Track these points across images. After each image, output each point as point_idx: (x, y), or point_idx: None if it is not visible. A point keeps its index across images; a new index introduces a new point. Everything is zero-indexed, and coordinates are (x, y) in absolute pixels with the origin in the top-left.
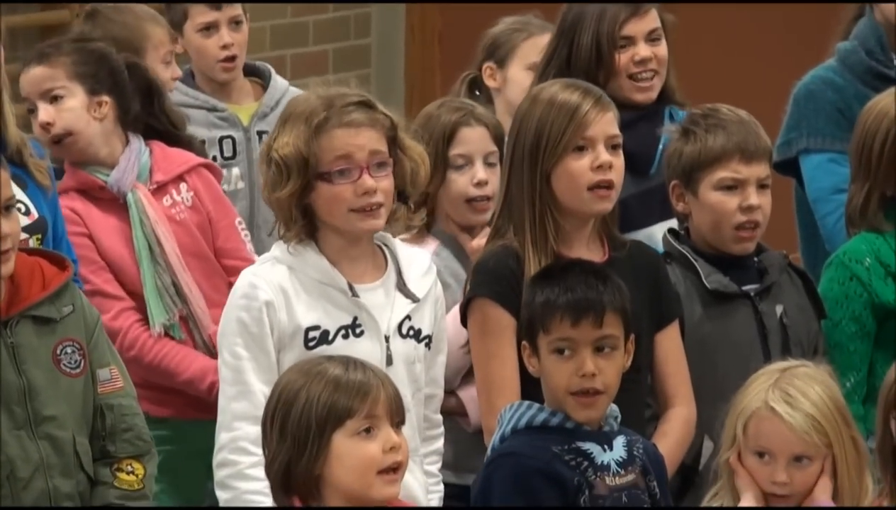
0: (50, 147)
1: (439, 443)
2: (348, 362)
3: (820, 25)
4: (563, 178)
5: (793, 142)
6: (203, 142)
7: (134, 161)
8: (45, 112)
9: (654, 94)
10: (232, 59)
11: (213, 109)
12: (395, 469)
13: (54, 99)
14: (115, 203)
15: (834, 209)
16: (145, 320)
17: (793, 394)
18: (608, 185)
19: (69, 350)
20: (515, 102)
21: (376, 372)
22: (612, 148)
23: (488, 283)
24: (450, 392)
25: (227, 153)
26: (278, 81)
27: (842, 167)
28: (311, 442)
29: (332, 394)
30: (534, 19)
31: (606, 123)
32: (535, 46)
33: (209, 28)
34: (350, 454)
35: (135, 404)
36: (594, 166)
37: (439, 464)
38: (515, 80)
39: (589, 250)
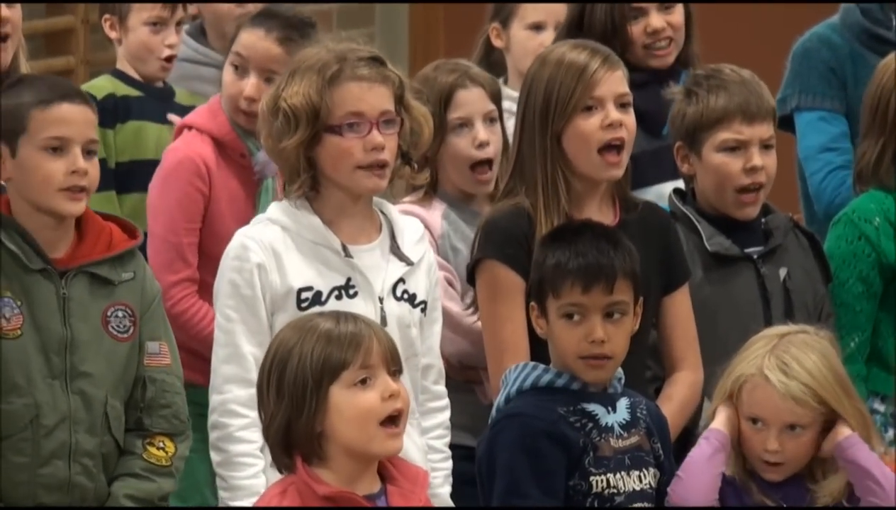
0: (237, 114)
1: (442, 417)
2: (339, 316)
3: None
4: (573, 139)
5: (788, 99)
6: None
7: None
8: (255, 87)
9: (670, 60)
10: (245, 12)
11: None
12: (396, 419)
13: (269, 80)
14: (244, 171)
15: (821, 167)
16: (202, 294)
17: (788, 363)
18: (619, 144)
19: (120, 314)
20: (519, 62)
21: (368, 322)
22: (622, 106)
23: (498, 244)
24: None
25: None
26: None
27: (830, 126)
28: (309, 398)
29: (325, 348)
30: None
31: (615, 82)
32: (535, 7)
33: None
34: (348, 405)
35: (178, 384)
36: (604, 125)
37: (446, 440)
38: (517, 39)
39: (600, 212)
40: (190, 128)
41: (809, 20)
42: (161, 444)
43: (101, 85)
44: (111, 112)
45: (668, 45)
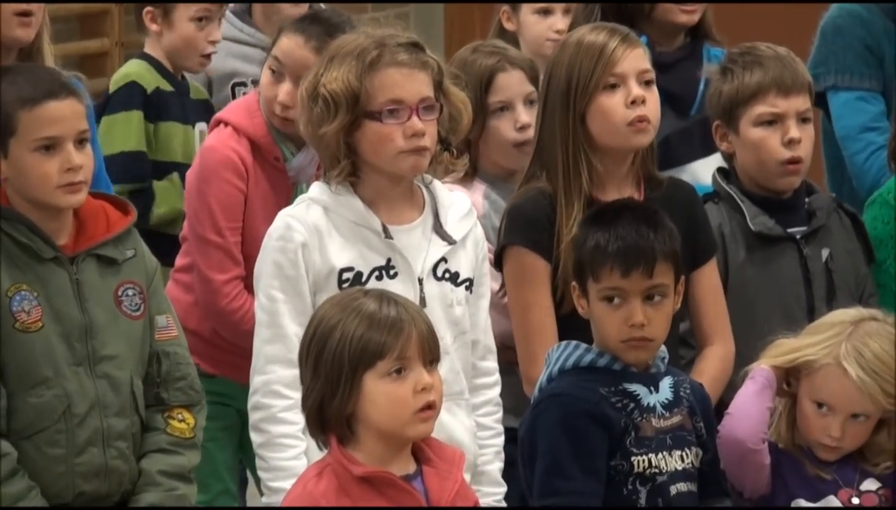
0: (273, 117)
1: (491, 393)
2: (382, 298)
3: None
4: (597, 118)
5: (820, 77)
6: (256, 81)
7: (315, 156)
8: (289, 95)
9: (696, 17)
10: None
11: (268, 48)
12: (429, 407)
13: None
14: (279, 174)
15: (863, 148)
16: (249, 290)
17: (866, 356)
18: (644, 120)
19: (130, 292)
20: (529, 45)
21: (409, 307)
22: (645, 83)
23: (523, 230)
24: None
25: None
26: None
27: (870, 105)
28: (343, 382)
29: (366, 332)
30: None
31: (636, 59)
32: None
33: None
34: (381, 395)
35: (188, 354)
36: (628, 102)
37: (496, 416)
38: (526, 23)
39: (621, 192)
40: (226, 124)
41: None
42: (181, 417)
43: (140, 74)
44: (155, 107)
45: (696, 4)
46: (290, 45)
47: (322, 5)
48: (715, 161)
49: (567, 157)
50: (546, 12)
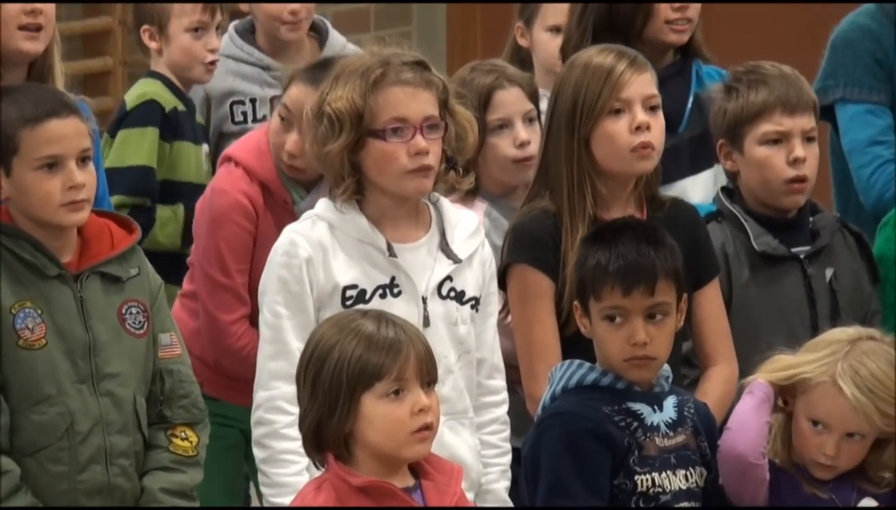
0: (281, 162)
1: (498, 412)
2: (381, 319)
3: None
4: (601, 142)
5: (829, 89)
6: (254, 100)
7: None
8: (296, 144)
9: (686, 37)
10: (297, 20)
11: (266, 68)
12: (427, 428)
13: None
14: (288, 216)
15: (869, 162)
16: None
17: (863, 375)
18: (648, 146)
19: (134, 310)
20: (542, 62)
21: (407, 329)
22: (651, 109)
23: (527, 248)
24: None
25: (284, 82)
26: (335, 38)
27: (878, 119)
28: (342, 403)
29: (364, 353)
30: None
31: (642, 84)
32: (555, 9)
33: None
34: (379, 416)
35: (191, 372)
36: (632, 128)
37: (503, 435)
38: (538, 40)
39: (625, 213)
40: (237, 164)
41: (838, 13)
42: (184, 435)
43: (158, 93)
44: (172, 126)
45: (687, 24)
46: (300, 94)
47: (333, 53)
48: (704, 179)
49: (572, 178)
50: (558, 30)
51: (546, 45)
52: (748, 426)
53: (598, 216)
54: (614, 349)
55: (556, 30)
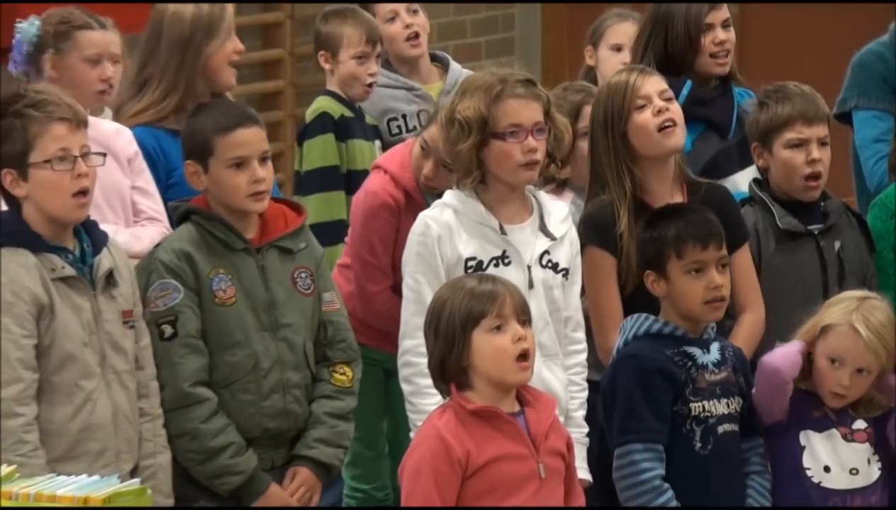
0: (419, 176)
1: (579, 358)
2: (482, 278)
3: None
4: (636, 132)
5: (848, 99)
6: (404, 116)
7: None
8: (431, 171)
9: (727, 69)
10: (416, 35)
11: (410, 89)
12: (526, 355)
13: (445, 165)
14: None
15: (873, 154)
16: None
17: (873, 322)
18: (670, 124)
19: (303, 275)
20: (605, 77)
21: (504, 283)
22: (667, 99)
23: (594, 233)
24: None
25: (424, 123)
26: (455, 66)
27: (882, 122)
28: (457, 339)
29: (470, 301)
30: (615, 11)
31: (654, 83)
32: (616, 31)
33: (393, 19)
34: (487, 347)
35: (347, 322)
36: (655, 113)
37: (582, 375)
38: (602, 58)
39: (672, 197)
40: (385, 172)
41: (862, 37)
42: (342, 371)
43: (329, 106)
44: (343, 130)
45: (726, 56)
46: (436, 135)
47: (454, 79)
48: (749, 173)
49: (612, 167)
50: (618, 49)
51: (609, 60)
52: (786, 353)
53: (641, 199)
54: (697, 295)
55: (617, 49)
